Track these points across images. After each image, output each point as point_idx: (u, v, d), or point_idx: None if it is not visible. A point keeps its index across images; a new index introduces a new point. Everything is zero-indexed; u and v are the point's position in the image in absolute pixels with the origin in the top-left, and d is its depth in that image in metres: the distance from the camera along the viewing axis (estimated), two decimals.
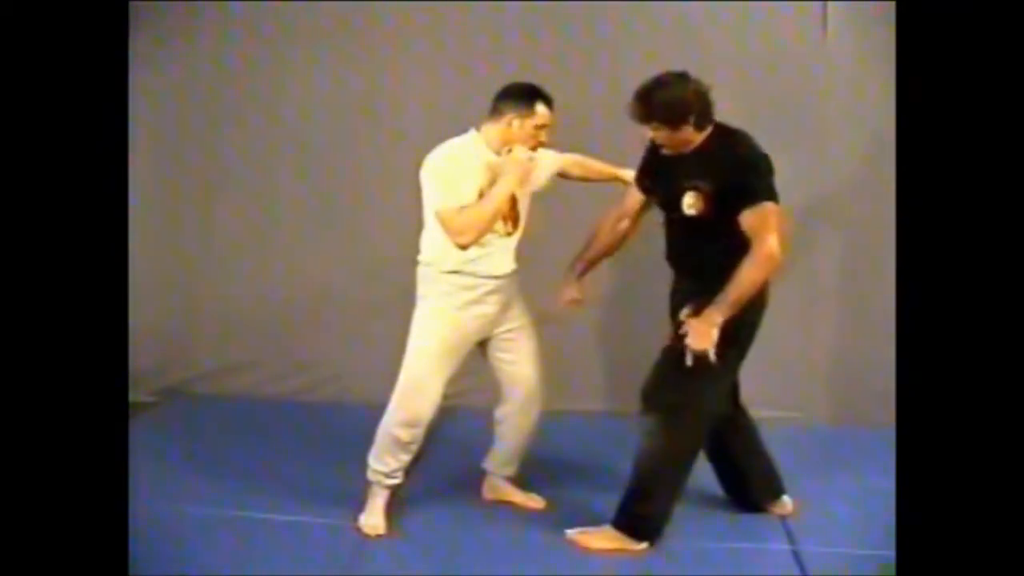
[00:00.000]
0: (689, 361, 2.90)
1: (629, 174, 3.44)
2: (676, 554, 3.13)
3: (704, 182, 2.93)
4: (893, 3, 2.25)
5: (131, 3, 2.30)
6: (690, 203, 2.97)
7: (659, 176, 3.12)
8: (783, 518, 3.37)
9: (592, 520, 3.22)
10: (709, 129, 2.99)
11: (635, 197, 3.25)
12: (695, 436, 3.10)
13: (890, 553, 2.10)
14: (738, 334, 2.95)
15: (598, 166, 3.49)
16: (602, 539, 3.14)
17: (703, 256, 3.00)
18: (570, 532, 3.19)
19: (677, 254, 3.14)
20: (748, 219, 2.87)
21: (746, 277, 2.87)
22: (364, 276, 4.45)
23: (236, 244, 4.59)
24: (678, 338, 2.96)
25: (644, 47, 4.24)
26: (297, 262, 4.56)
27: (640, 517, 3.12)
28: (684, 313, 3.00)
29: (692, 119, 2.94)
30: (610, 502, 3.20)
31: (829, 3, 4.16)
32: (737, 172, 2.93)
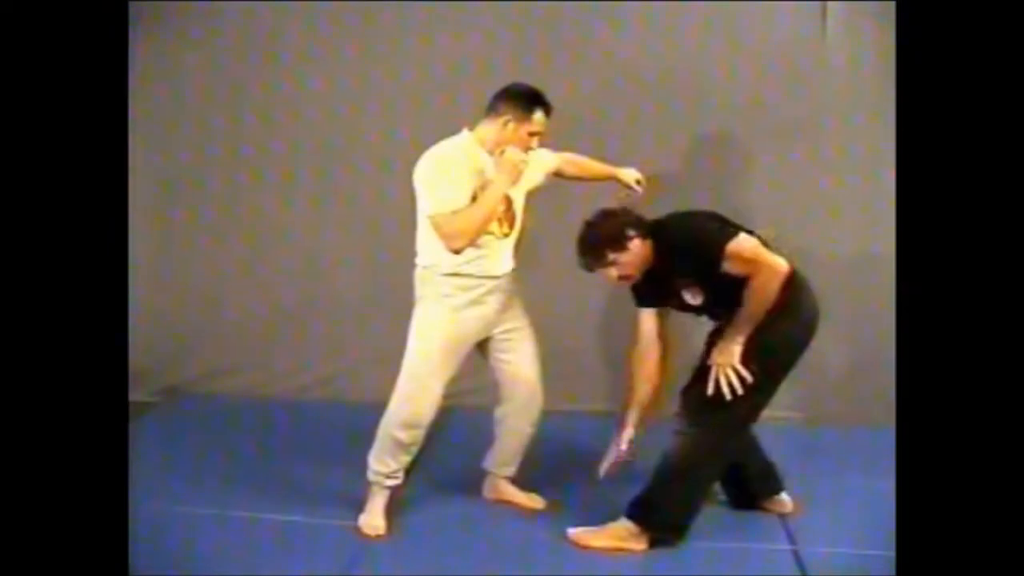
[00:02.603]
0: (711, 387, 2.99)
1: (624, 173, 3.45)
2: (676, 553, 3.13)
3: (683, 276, 3.08)
4: (893, 3, 2.25)
5: (131, 3, 2.30)
6: (692, 295, 3.10)
7: (652, 292, 3.20)
8: (783, 518, 3.37)
9: (592, 520, 3.22)
10: (648, 234, 3.09)
11: (648, 319, 3.25)
12: (720, 444, 3.12)
13: (890, 553, 2.10)
14: (763, 354, 3.00)
15: (594, 165, 3.49)
16: (604, 537, 3.15)
17: (732, 309, 3.04)
18: (571, 531, 3.20)
19: (712, 317, 3.21)
20: (731, 266, 2.97)
21: (752, 294, 2.96)
22: (363, 276, 4.45)
23: (236, 244, 4.59)
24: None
25: (643, 47, 4.25)
26: (297, 262, 4.56)
27: (653, 510, 3.13)
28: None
29: (633, 233, 3.05)
30: (611, 502, 3.20)
31: (828, 3, 4.16)
32: (692, 248, 3.04)
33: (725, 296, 3.02)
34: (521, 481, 3.50)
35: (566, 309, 4.24)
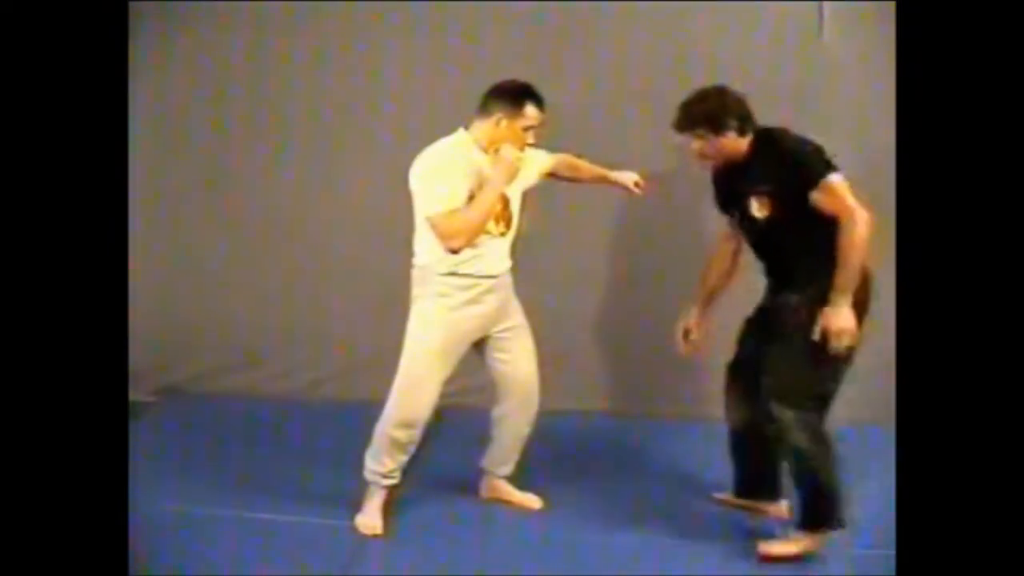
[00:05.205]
0: (832, 346, 2.94)
1: (620, 176, 3.44)
2: (676, 554, 3.13)
3: (763, 184, 3.02)
4: (891, 3, 2.25)
5: (131, 2, 2.30)
6: (757, 207, 3.04)
7: (726, 193, 3.20)
8: (780, 520, 3.36)
9: (590, 520, 3.21)
10: (751, 135, 3.06)
11: (727, 237, 3.31)
12: (820, 419, 3.13)
13: (890, 552, 2.10)
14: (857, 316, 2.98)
15: (588, 167, 3.49)
16: (791, 547, 3.12)
17: (791, 261, 3.04)
18: (763, 546, 3.15)
19: (766, 263, 3.18)
20: (821, 200, 2.92)
21: (849, 247, 2.89)
22: (362, 276, 4.45)
23: (236, 245, 4.58)
24: (796, 330, 2.99)
25: (641, 47, 4.24)
26: (296, 263, 4.56)
27: (814, 513, 3.12)
28: (794, 301, 3.02)
29: (734, 124, 3.02)
30: (610, 502, 3.19)
31: (825, 3, 4.16)
32: (790, 163, 2.99)
33: (790, 230, 2.97)
34: (519, 481, 3.50)
35: (565, 309, 4.24)
